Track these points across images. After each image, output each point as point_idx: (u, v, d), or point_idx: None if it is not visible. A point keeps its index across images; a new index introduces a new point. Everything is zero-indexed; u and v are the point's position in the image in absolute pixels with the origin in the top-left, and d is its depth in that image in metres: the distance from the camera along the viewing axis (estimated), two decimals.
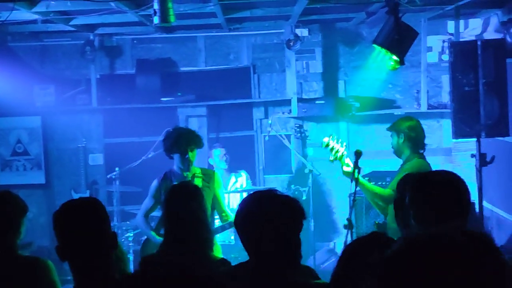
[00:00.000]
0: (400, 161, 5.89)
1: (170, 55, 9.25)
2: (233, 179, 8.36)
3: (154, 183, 5.99)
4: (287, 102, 8.94)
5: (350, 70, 9.17)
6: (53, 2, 6.39)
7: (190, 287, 1.67)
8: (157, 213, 6.03)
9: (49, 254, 8.71)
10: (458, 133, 6.15)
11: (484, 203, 6.40)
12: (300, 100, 8.90)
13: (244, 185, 8.36)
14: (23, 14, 6.69)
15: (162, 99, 8.82)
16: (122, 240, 7.74)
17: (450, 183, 3.15)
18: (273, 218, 2.85)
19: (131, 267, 7.31)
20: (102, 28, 8.56)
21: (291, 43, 8.45)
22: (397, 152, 5.91)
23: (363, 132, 9.20)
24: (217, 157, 8.26)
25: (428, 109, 8.43)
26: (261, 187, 8.58)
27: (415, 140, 5.79)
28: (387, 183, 7.49)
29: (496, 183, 7.52)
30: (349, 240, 5.35)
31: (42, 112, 9.03)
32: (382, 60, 7.01)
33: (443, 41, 8.68)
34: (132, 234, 7.90)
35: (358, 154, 5.50)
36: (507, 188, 7.39)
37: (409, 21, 6.80)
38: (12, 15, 6.15)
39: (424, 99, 8.47)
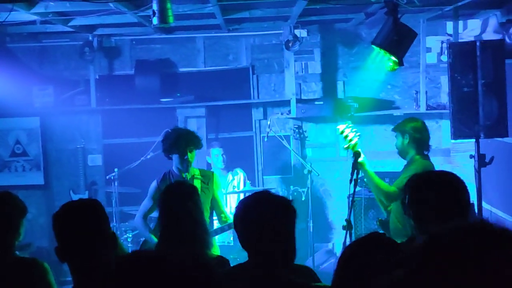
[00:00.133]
0: (398, 162, 5.89)
1: (169, 56, 9.25)
2: (230, 177, 8.36)
3: (153, 184, 5.99)
4: (286, 103, 8.94)
5: (349, 71, 9.17)
6: (52, 3, 6.38)
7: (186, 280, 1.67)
8: (156, 214, 6.02)
9: (48, 255, 8.73)
10: (457, 133, 6.15)
11: (483, 204, 6.39)
12: (299, 101, 8.91)
13: (242, 183, 8.37)
14: (21, 15, 6.68)
15: (161, 99, 8.82)
16: (121, 241, 7.74)
17: (450, 183, 3.15)
18: (270, 218, 2.86)
19: None
20: (101, 29, 8.55)
21: (290, 44, 8.45)
22: (402, 153, 5.91)
23: (362, 132, 9.14)
24: (215, 157, 8.28)
25: (427, 109, 8.42)
26: (260, 188, 8.58)
27: (420, 141, 5.80)
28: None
29: (495, 184, 7.52)
30: (348, 241, 5.36)
31: (41, 113, 9.03)
32: (381, 61, 7.01)
33: (442, 42, 8.68)
34: (131, 235, 7.89)
35: (356, 155, 5.51)
36: (506, 189, 7.39)
37: (408, 22, 6.80)
38: (11, 16, 6.14)
39: (423, 100, 8.47)
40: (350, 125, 5.79)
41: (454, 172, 3.30)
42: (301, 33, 8.59)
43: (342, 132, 5.72)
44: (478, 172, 6.13)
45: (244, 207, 2.95)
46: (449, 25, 8.50)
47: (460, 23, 8.33)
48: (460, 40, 7.95)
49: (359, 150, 5.58)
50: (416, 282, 1.48)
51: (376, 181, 5.65)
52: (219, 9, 7.04)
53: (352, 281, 2.14)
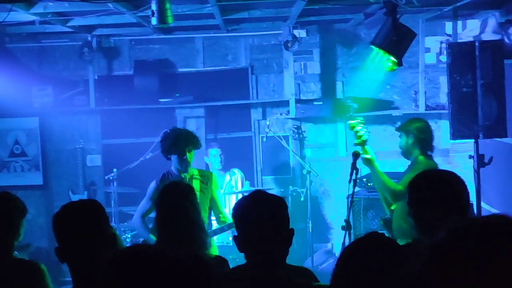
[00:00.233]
0: (397, 162, 5.89)
1: (168, 56, 9.25)
2: (227, 178, 8.36)
3: (152, 184, 5.98)
4: (285, 103, 8.94)
5: (348, 71, 9.18)
6: (51, 3, 6.38)
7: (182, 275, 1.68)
8: (154, 214, 6.01)
9: (47, 255, 8.73)
10: (456, 134, 6.16)
11: (482, 204, 6.40)
12: (298, 101, 8.91)
13: (239, 183, 8.37)
14: (21, 15, 6.68)
15: (160, 100, 8.82)
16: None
17: (449, 182, 3.16)
18: (270, 217, 2.87)
19: None
20: (100, 29, 8.55)
21: (289, 44, 8.45)
22: (406, 153, 5.90)
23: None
24: (213, 157, 8.28)
25: (426, 110, 8.43)
26: (259, 188, 8.57)
27: (424, 142, 5.80)
28: None
29: (494, 184, 7.53)
30: (347, 241, 5.36)
31: (40, 113, 9.02)
32: (380, 61, 7.01)
33: (441, 42, 8.68)
34: (129, 236, 7.88)
35: (355, 155, 5.51)
36: (505, 189, 7.39)
37: (407, 22, 6.80)
38: (10, 16, 6.14)
39: (422, 100, 8.47)
40: (362, 121, 5.80)
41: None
42: (300, 33, 8.60)
43: (353, 127, 5.72)
44: (477, 173, 6.13)
45: (242, 207, 2.95)
46: (448, 26, 8.50)
47: (459, 23, 8.33)
48: (459, 41, 7.95)
49: (357, 151, 5.58)
50: (421, 282, 1.49)
51: (383, 178, 5.66)
52: (218, 9, 7.04)
53: (351, 281, 2.14)
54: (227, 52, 9.30)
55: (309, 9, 7.20)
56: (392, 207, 5.82)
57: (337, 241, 8.87)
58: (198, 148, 6.04)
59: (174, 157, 5.88)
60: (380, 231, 2.63)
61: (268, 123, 8.72)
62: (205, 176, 6.03)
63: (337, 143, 9.23)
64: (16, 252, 3.91)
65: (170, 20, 5.60)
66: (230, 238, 7.32)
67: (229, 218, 5.80)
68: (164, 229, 4.18)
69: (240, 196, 7.44)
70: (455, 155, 8.62)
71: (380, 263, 2.12)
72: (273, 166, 9.27)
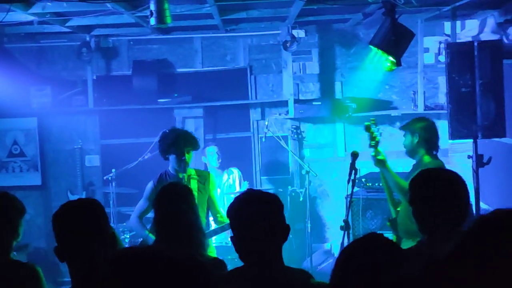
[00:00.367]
0: (396, 162, 5.89)
1: (166, 56, 9.25)
2: (225, 177, 8.36)
3: (149, 185, 5.97)
4: (284, 103, 8.94)
5: (347, 71, 9.17)
6: (49, 4, 6.37)
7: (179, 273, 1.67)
8: (151, 214, 6.00)
9: (46, 255, 8.74)
10: (455, 134, 6.15)
11: (481, 204, 6.40)
12: (296, 101, 8.91)
13: (237, 182, 8.36)
14: (19, 15, 6.67)
15: (159, 100, 8.81)
16: None
17: (450, 181, 3.17)
18: (269, 216, 2.87)
19: None
20: (99, 29, 8.55)
21: (288, 44, 8.45)
22: (410, 152, 5.88)
23: (360, 133, 9.16)
24: (210, 155, 8.27)
25: (424, 110, 8.42)
26: (258, 189, 8.57)
27: (429, 141, 5.79)
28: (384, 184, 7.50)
29: (493, 184, 7.53)
30: (345, 241, 5.36)
31: (39, 113, 9.02)
32: (379, 61, 7.01)
33: (440, 42, 8.68)
34: (128, 236, 7.88)
35: (354, 156, 5.51)
36: (504, 189, 7.40)
37: (406, 22, 6.81)
38: (8, 16, 6.13)
39: (420, 100, 8.47)
40: (375, 123, 5.81)
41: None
42: (299, 33, 8.59)
43: (369, 129, 5.72)
44: (476, 173, 6.13)
45: (235, 207, 2.95)
46: (447, 26, 8.51)
47: (458, 23, 8.33)
48: (457, 41, 7.96)
49: (356, 151, 5.58)
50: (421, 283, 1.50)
51: (396, 179, 5.67)
52: (217, 9, 7.04)
53: (351, 281, 2.14)
54: (225, 52, 9.30)
55: (307, 9, 7.19)
56: (399, 208, 5.82)
57: (336, 241, 8.86)
58: (197, 149, 6.03)
59: (172, 157, 5.87)
60: (379, 231, 2.63)
61: (267, 123, 8.72)
62: (203, 176, 6.03)
63: (336, 143, 9.23)
64: (14, 252, 3.90)
65: (168, 20, 5.60)
66: (229, 239, 7.32)
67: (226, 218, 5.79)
68: (162, 230, 4.18)
69: None
70: (454, 155, 8.62)
71: (379, 263, 2.12)
72: (272, 166, 9.26)
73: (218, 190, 7.76)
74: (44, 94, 8.83)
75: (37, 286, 3.68)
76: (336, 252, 8.56)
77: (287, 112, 8.89)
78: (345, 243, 5.24)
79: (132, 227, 6.46)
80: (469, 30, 8.40)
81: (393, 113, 8.88)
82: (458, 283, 1.43)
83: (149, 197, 5.85)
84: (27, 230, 5.22)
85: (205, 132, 9.17)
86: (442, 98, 8.63)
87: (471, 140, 6.15)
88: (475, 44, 6.10)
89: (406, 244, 5.22)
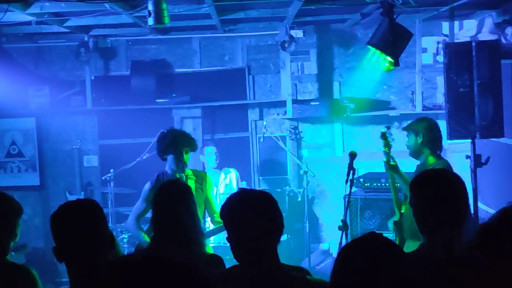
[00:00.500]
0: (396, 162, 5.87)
1: (164, 57, 9.24)
2: (222, 176, 8.35)
3: (147, 185, 5.94)
4: (282, 104, 8.95)
5: (345, 71, 9.18)
6: (47, 4, 6.37)
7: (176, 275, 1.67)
8: (149, 215, 5.98)
9: (44, 256, 8.73)
10: (453, 134, 6.16)
11: (479, 204, 6.40)
12: (295, 101, 8.91)
13: (234, 181, 8.36)
14: (17, 15, 6.67)
15: (157, 100, 8.81)
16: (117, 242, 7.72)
17: (449, 182, 3.18)
18: (254, 213, 2.86)
19: None
20: (97, 30, 8.55)
21: (286, 45, 8.45)
22: (415, 153, 5.87)
23: (358, 133, 9.21)
24: (208, 155, 8.27)
25: (423, 110, 8.42)
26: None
27: (434, 140, 5.79)
28: (382, 185, 7.51)
29: (491, 184, 7.53)
30: (344, 241, 5.36)
31: (37, 113, 9.01)
32: (377, 61, 7.02)
33: (438, 42, 8.68)
34: (126, 236, 7.88)
35: (352, 156, 5.52)
36: (502, 189, 7.40)
37: (404, 22, 6.81)
38: (6, 16, 6.14)
39: (419, 100, 8.47)
40: (390, 130, 5.84)
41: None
42: (297, 33, 8.60)
43: (384, 137, 5.76)
44: (474, 173, 6.14)
45: (228, 207, 2.94)
46: (445, 26, 8.51)
47: (456, 23, 8.34)
48: (456, 41, 7.96)
49: (354, 151, 5.59)
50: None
51: (403, 175, 5.73)
52: (215, 9, 7.03)
53: (350, 281, 2.14)
54: (224, 52, 9.30)
55: (305, 9, 7.20)
56: (403, 210, 5.81)
57: (334, 241, 8.84)
58: (195, 150, 6.02)
59: (170, 158, 5.86)
60: (377, 231, 2.63)
61: (265, 123, 8.72)
62: (199, 176, 6.03)
63: (334, 143, 9.24)
64: (13, 252, 3.90)
65: (166, 20, 5.60)
66: (226, 239, 7.31)
67: None
68: (160, 229, 4.16)
69: None
70: (452, 155, 8.62)
71: (379, 263, 2.12)
72: (270, 167, 9.26)
73: (215, 189, 7.76)
74: (42, 94, 8.82)
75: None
76: (335, 252, 8.56)
77: (285, 112, 8.90)
78: (343, 243, 5.22)
79: (129, 229, 6.43)
80: (467, 30, 8.40)
81: (391, 113, 8.88)
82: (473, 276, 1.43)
83: (146, 198, 5.82)
84: (25, 231, 5.22)
85: (204, 132, 9.18)
86: (440, 98, 8.64)
87: (469, 140, 6.16)
88: (473, 44, 6.11)
89: (411, 245, 5.22)
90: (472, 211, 6.23)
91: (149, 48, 9.28)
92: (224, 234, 6.62)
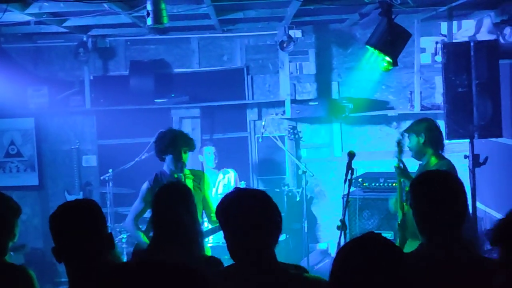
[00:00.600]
0: (394, 162, 5.87)
1: (163, 57, 9.24)
2: (220, 176, 8.35)
3: (145, 185, 5.93)
4: (281, 104, 8.95)
5: (344, 71, 9.18)
6: (46, 4, 6.37)
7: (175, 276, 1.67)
8: (147, 214, 5.98)
9: (43, 256, 8.73)
10: (451, 134, 6.17)
11: (478, 204, 6.41)
12: (293, 101, 8.91)
13: (232, 182, 8.36)
14: (16, 15, 6.67)
15: (156, 100, 8.81)
16: (116, 242, 7.72)
17: (448, 182, 3.19)
18: (250, 212, 2.86)
19: None
20: (96, 30, 8.54)
21: (285, 45, 8.45)
22: (418, 154, 5.88)
23: (357, 133, 9.21)
24: (207, 155, 8.28)
25: (421, 110, 8.43)
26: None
27: (436, 140, 5.80)
28: (381, 184, 7.51)
29: (490, 184, 7.54)
30: (342, 241, 5.36)
31: (36, 113, 9.01)
32: (375, 61, 7.02)
33: (436, 42, 8.69)
34: (125, 236, 7.88)
35: (351, 156, 5.51)
36: (500, 189, 7.41)
37: (402, 22, 6.81)
38: (5, 16, 6.13)
39: (417, 100, 8.48)
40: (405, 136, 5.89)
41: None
42: (296, 33, 8.60)
43: (400, 145, 5.79)
44: (472, 172, 6.15)
45: (224, 206, 2.94)
46: (444, 26, 8.52)
47: (454, 23, 8.35)
48: (454, 41, 7.97)
49: (353, 151, 5.59)
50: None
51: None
52: (214, 9, 7.04)
53: (349, 281, 2.14)
54: (222, 52, 9.30)
55: (304, 9, 7.20)
56: (405, 209, 5.81)
57: (333, 241, 8.86)
58: (193, 150, 6.03)
59: (169, 158, 5.85)
60: (376, 231, 2.63)
61: (263, 123, 8.72)
62: (197, 176, 6.03)
63: (333, 143, 9.24)
64: (11, 253, 3.90)
65: (165, 20, 5.60)
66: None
67: None
68: (160, 229, 4.15)
69: None
70: (451, 155, 8.58)
71: (377, 263, 2.12)
72: (268, 167, 9.26)
73: (213, 190, 7.76)
74: (41, 95, 8.82)
75: None
76: (333, 252, 8.57)
77: (284, 112, 8.90)
78: (342, 243, 5.23)
79: (127, 229, 6.42)
80: (465, 30, 8.41)
81: (390, 113, 8.89)
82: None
83: (144, 198, 5.82)
84: (24, 231, 5.22)
85: (202, 132, 9.17)
86: (438, 98, 8.64)
87: (468, 140, 6.17)
88: (472, 44, 6.12)
89: (413, 245, 5.22)
90: (470, 211, 6.25)
91: (148, 48, 9.28)
92: (222, 233, 6.63)
